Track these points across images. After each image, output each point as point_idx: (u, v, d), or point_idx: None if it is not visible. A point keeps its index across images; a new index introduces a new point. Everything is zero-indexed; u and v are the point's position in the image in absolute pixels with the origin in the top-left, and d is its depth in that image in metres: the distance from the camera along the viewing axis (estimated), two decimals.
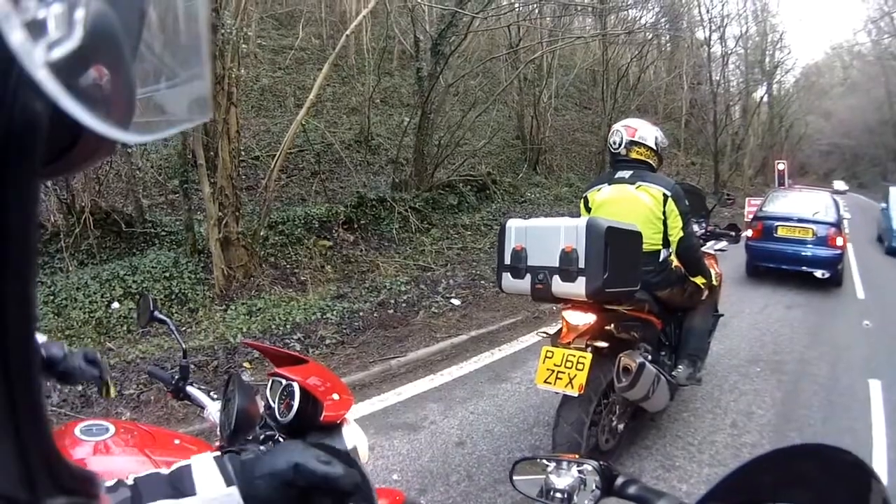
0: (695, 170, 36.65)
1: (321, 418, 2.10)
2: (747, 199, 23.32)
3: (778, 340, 9.29)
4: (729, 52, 41.75)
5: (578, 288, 4.13)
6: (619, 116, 24.18)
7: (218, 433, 2.16)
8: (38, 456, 0.55)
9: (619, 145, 5.32)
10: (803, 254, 13.28)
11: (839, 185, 61.38)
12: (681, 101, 38.56)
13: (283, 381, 2.18)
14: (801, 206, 14.35)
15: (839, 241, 13.23)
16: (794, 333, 9.79)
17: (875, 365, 8.28)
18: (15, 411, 0.52)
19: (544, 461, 1.70)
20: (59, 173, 0.63)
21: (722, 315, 6.70)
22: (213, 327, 8.59)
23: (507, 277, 4.62)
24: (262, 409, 2.18)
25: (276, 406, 2.15)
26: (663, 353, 5.53)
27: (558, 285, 4.24)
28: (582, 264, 4.11)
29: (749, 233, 14.08)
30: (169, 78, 0.64)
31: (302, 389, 2.11)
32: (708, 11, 38.95)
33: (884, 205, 22.77)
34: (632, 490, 1.50)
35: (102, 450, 1.89)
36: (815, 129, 74.32)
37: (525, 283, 4.48)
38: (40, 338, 2.11)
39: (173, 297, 9.64)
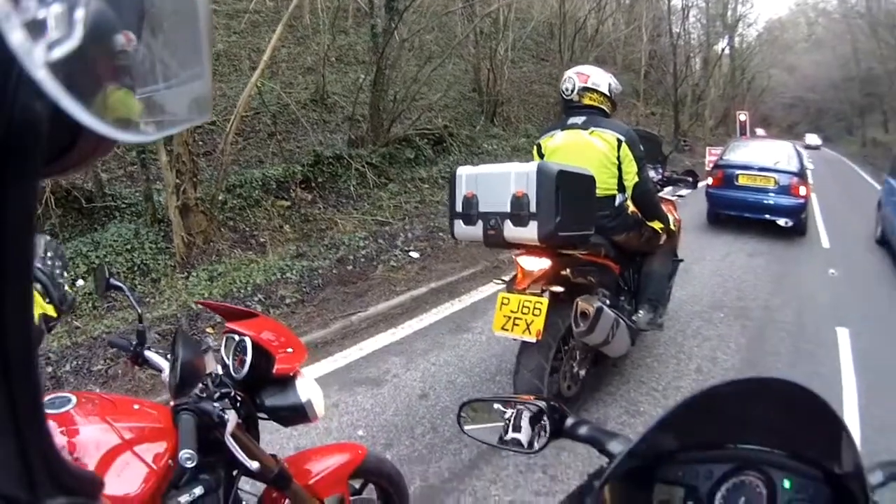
0: (655, 120, 36.77)
1: (274, 372, 2.16)
2: (708, 148, 23.45)
3: (741, 287, 9.40)
4: (690, 4, 41.90)
5: (531, 232, 4.13)
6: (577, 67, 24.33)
7: (170, 392, 2.10)
8: (38, 456, 0.54)
9: (572, 91, 5.29)
10: (765, 202, 13.37)
11: (811, 138, 61.36)
12: (640, 52, 38.64)
13: (237, 338, 2.22)
14: (763, 155, 14.37)
15: (802, 191, 13.30)
16: (757, 280, 9.92)
17: (842, 313, 8.38)
18: (15, 411, 0.52)
19: (494, 404, 1.69)
20: (58, 173, 0.61)
21: (682, 260, 6.70)
22: (176, 295, 8.57)
23: (458, 224, 4.62)
24: (215, 366, 2.20)
25: (230, 362, 2.19)
26: (622, 297, 5.55)
27: (510, 230, 4.24)
28: (534, 208, 4.10)
29: (710, 181, 14.23)
30: (169, 78, 0.62)
31: (254, 344, 2.16)
32: None
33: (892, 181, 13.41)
34: (582, 431, 1.50)
35: (66, 421, 1.84)
36: (779, 83, 74.94)
37: (477, 230, 4.47)
38: None
39: (136, 268, 9.58)
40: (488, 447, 1.63)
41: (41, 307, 1.63)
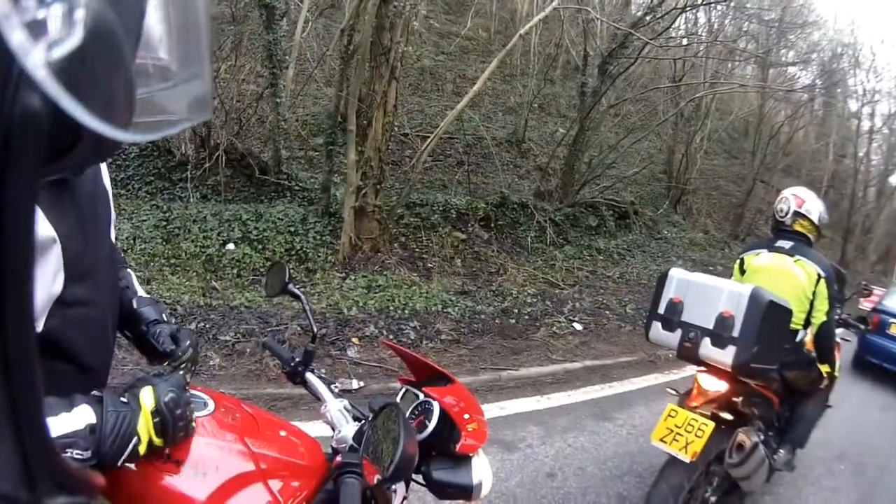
0: (821, 244, 35.73)
1: (457, 447, 2.02)
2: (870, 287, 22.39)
3: (867, 441, 9.00)
4: (876, 129, 40.52)
5: (727, 357, 4.10)
6: (765, 173, 23.92)
7: (334, 440, 2.09)
8: (38, 456, 0.57)
9: (786, 214, 5.25)
10: None
11: None
12: (824, 170, 37.61)
13: (421, 396, 2.12)
14: None
15: None
16: (882, 437, 9.42)
17: None
18: (15, 412, 0.54)
19: None
20: (59, 172, 0.69)
21: (831, 406, 6.52)
22: (329, 293, 8.61)
23: (656, 327, 4.58)
24: None
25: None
26: (771, 433, 5.39)
27: (707, 348, 4.21)
28: (736, 333, 4.07)
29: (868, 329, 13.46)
30: (169, 78, 0.66)
31: (442, 411, 2.04)
32: (862, 83, 38.04)
33: None
34: None
35: (198, 429, 1.62)
36: None
37: (674, 338, 4.45)
38: (140, 291, 2.05)
39: (293, 252, 9.77)
40: None
41: (148, 430, 1.39)
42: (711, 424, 4.33)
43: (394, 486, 1.94)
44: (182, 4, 0.68)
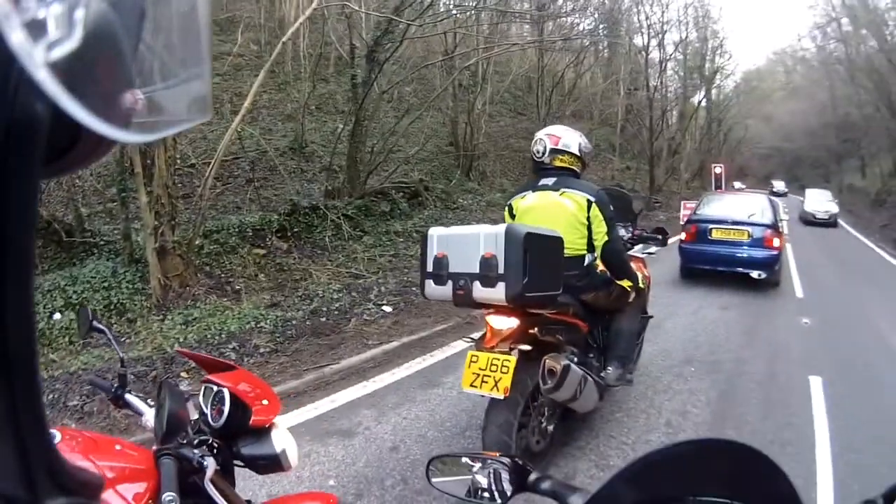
0: (630, 174, 36.91)
1: (251, 422, 2.19)
2: (682, 202, 23.33)
3: (713, 341, 9.38)
4: (667, 57, 42.00)
5: (499, 293, 4.15)
6: (553, 122, 24.25)
7: (154, 437, 2.17)
8: (38, 456, 0.55)
9: (543, 154, 5.39)
10: (738, 255, 13.41)
11: (778, 185, 62.17)
12: (617, 106, 38.81)
13: (215, 388, 2.25)
14: (737, 208, 14.42)
15: (776, 242, 13.38)
16: (729, 333, 9.91)
17: (815, 362, 8.41)
18: (15, 412, 0.52)
19: (462, 459, 1.73)
20: (59, 173, 0.63)
21: (651, 317, 6.74)
22: (151, 337, 8.52)
23: (429, 284, 4.65)
24: (195, 415, 2.27)
25: (208, 411, 2.22)
26: (591, 355, 5.54)
27: (479, 291, 4.27)
28: (501, 270, 4.14)
29: (682, 235, 14.27)
30: (169, 78, 0.64)
31: (232, 395, 2.18)
32: (647, 18, 39.36)
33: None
34: (545, 486, 1.51)
35: None
36: (755, 133, 75.21)
37: (447, 290, 4.51)
38: None
39: (112, 307, 9.55)
40: (456, 501, 1.67)
41: None
42: (513, 359, 4.42)
43: (204, 460, 1.96)
44: (182, 5, 0.65)
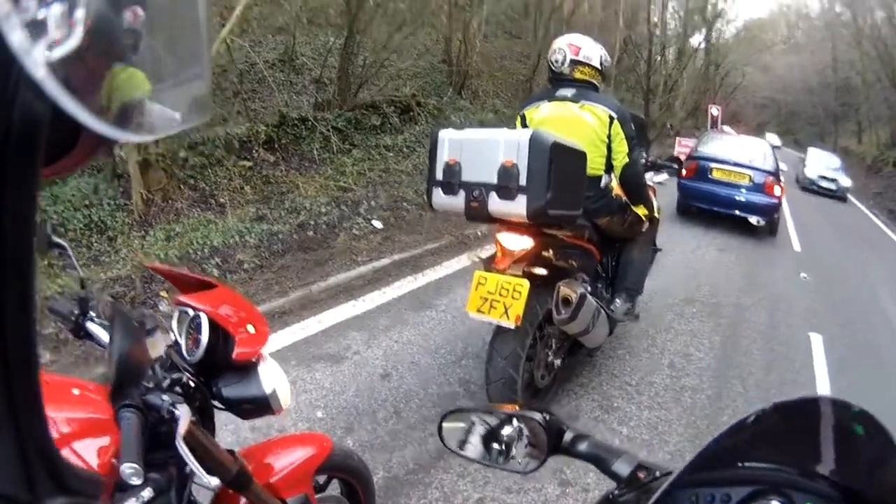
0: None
1: (234, 356, 1.84)
2: (677, 138, 23.61)
3: (713, 282, 9.44)
4: None
5: (519, 207, 3.79)
6: (549, 48, 24.22)
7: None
8: (38, 456, 0.55)
9: (562, 63, 4.98)
10: (738, 198, 13.44)
11: (772, 138, 62.05)
12: (615, 38, 38.77)
13: (191, 313, 1.90)
14: (739, 150, 14.43)
15: (777, 190, 13.43)
16: (728, 277, 10.02)
17: (816, 320, 8.51)
18: (15, 411, 0.52)
19: (481, 414, 1.47)
20: (59, 173, 0.60)
21: (660, 250, 6.60)
22: (132, 255, 8.25)
23: (438, 193, 4.24)
24: (164, 347, 1.86)
25: (183, 342, 1.88)
26: (600, 285, 5.31)
27: (496, 203, 3.90)
28: (523, 181, 3.77)
29: (682, 171, 14.02)
30: (169, 78, 0.63)
31: (211, 321, 1.84)
32: None
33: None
34: (583, 447, 1.36)
35: None
36: (752, 82, 75.50)
37: (458, 200, 4.11)
38: None
39: (93, 225, 9.27)
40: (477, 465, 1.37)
41: None
42: (526, 283, 4.07)
43: (176, 409, 1.57)
44: (182, 5, 0.64)
